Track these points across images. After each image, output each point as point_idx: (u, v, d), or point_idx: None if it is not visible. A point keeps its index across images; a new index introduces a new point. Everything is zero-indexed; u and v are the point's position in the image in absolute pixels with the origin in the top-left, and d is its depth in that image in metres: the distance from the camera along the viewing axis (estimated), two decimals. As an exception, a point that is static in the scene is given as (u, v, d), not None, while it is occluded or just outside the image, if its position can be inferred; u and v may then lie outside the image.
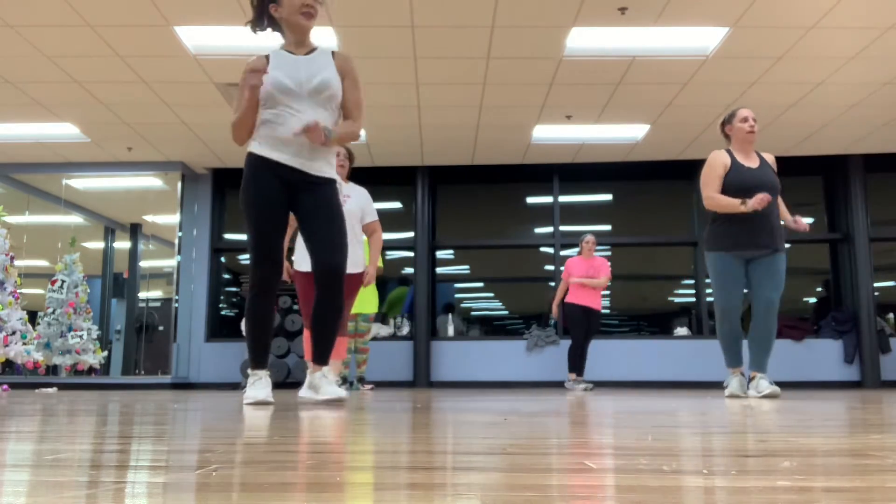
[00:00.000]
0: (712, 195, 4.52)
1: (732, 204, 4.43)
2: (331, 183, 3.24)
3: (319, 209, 3.19)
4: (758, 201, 4.30)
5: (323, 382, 3.30)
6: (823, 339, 9.02)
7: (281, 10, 3.22)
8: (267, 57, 3.27)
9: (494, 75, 6.78)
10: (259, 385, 3.23)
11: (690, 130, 8.31)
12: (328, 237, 3.18)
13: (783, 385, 8.65)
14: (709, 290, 9.35)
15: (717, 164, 4.56)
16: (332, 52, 3.31)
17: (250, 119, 3.15)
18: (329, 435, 1.61)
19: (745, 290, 4.71)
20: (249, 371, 3.30)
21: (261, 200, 3.17)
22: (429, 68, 6.59)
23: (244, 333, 8.34)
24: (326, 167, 3.23)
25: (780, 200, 4.70)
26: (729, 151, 4.65)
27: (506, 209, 9.88)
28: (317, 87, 3.16)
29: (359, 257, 4.87)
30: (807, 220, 4.62)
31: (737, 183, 4.50)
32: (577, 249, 8.00)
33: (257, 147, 3.21)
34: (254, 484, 0.87)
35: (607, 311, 7.69)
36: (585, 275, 7.59)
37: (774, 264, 4.53)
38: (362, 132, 8.17)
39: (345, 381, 7.45)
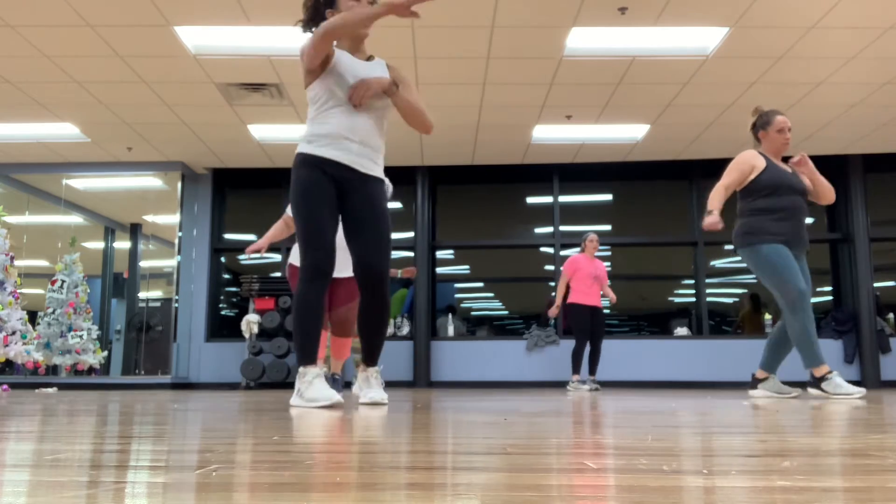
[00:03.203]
0: (720, 188, 4.45)
1: (713, 203, 4.39)
2: (378, 182, 3.21)
3: (364, 208, 3.14)
4: (708, 223, 4.30)
5: (365, 385, 3.27)
6: (823, 339, 9.02)
7: (338, 14, 3.16)
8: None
9: (494, 75, 6.78)
10: (318, 385, 2.98)
11: (690, 130, 8.31)
12: (372, 237, 3.13)
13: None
14: (709, 290, 9.36)
15: (745, 164, 4.49)
16: (386, 64, 3.33)
17: (328, 47, 3.03)
18: (329, 435, 1.61)
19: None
20: (300, 368, 3.05)
21: (310, 190, 3.07)
22: (429, 68, 6.59)
23: (243, 332, 8.36)
24: (374, 166, 3.19)
25: (818, 178, 4.53)
26: (763, 154, 4.61)
27: (506, 209, 9.88)
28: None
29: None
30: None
31: (775, 181, 4.43)
32: (577, 249, 7.97)
33: (305, 146, 3.13)
34: (254, 484, 0.87)
35: (607, 311, 7.66)
36: (592, 274, 7.48)
37: (805, 265, 4.53)
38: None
39: (348, 385, 7.45)
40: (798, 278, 4.30)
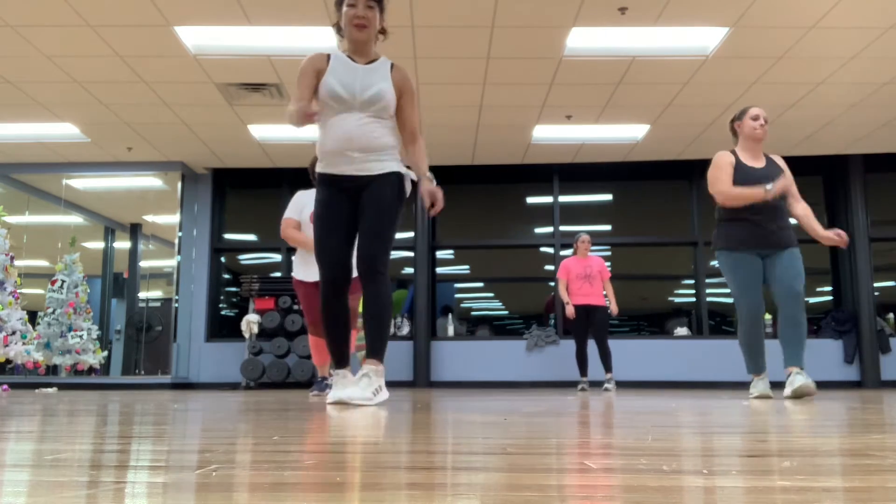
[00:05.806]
0: (726, 189, 4.39)
1: (753, 194, 4.28)
2: (388, 177, 3.25)
3: (369, 205, 3.23)
4: (780, 187, 4.23)
5: (358, 378, 3.20)
6: (823, 339, 9.02)
7: (341, 20, 3.30)
8: (328, 57, 3.29)
9: (494, 75, 6.78)
10: (340, 384, 3.19)
11: (690, 130, 8.31)
12: (368, 230, 3.20)
13: (783, 385, 8.64)
14: (709, 290, 9.36)
15: (723, 162, 4.48)
16: (392, 65, 3.33)
17: (304, 124, 3.19)
18: (329, 435, 1.61)
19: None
20: (331, 370, 3.29)
21: (322, 214, 3.26)
22: (429, 68, 6.59)
23: (243, 332, 8.36)
24: (381, 165, 3.24)
25: (808, 211, 4.45)
26: (733, 152, 4.59)
27: (506, 209, 9.88)
28: (369, 98, 3.20)
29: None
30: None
31: (741, 183, 4.39)
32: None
33: (320, 165, 3.30)
34: (254, 484, 0.87)
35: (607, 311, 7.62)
36: (581, 274, 7.51)
37: (790, 258, 4.37)
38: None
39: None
40: (747, 292, 4.37)
